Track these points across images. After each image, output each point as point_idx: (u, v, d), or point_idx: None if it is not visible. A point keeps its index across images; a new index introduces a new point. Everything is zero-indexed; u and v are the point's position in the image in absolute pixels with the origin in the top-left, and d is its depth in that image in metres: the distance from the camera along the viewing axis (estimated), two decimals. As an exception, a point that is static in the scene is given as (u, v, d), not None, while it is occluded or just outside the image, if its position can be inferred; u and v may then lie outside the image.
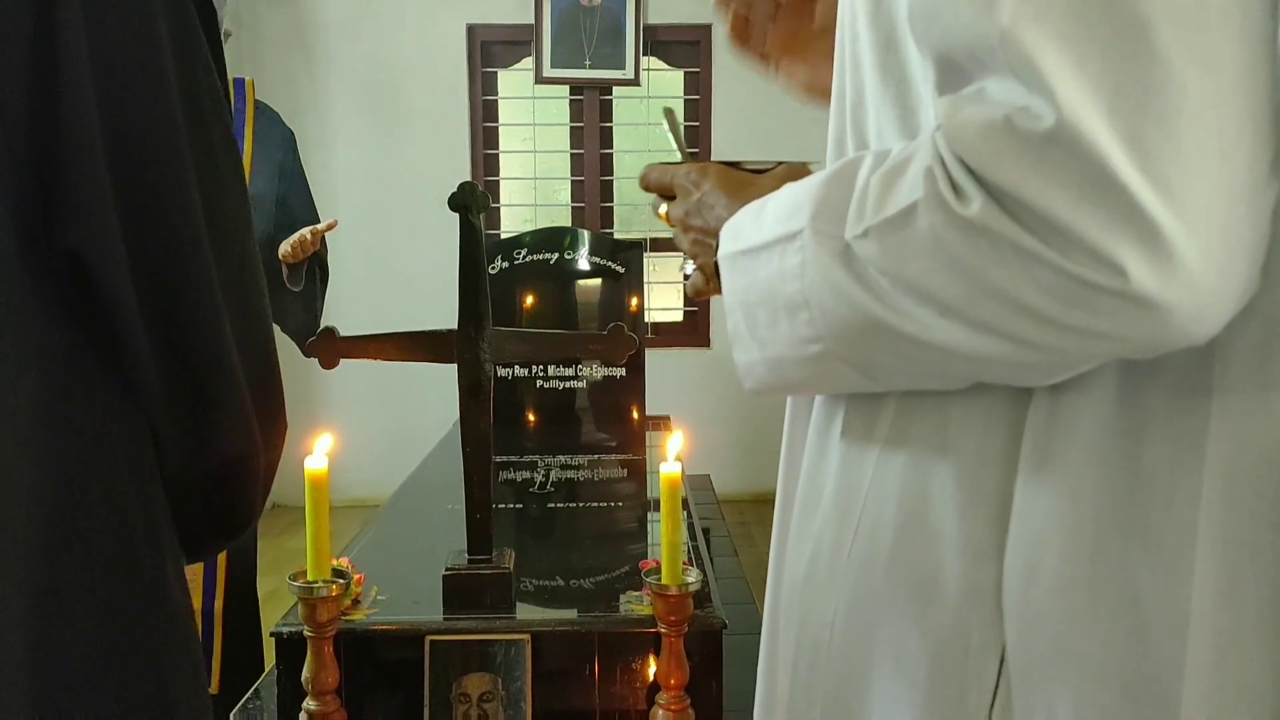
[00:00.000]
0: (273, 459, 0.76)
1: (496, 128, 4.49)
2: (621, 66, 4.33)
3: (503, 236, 3.70)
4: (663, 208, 0.81)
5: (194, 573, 2.08)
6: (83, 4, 0.59)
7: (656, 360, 3.01)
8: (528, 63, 4.40)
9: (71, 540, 0.64)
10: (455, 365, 1.38)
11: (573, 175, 4.52)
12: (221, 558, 2.11)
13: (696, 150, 4.43)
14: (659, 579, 1.24)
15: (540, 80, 4.35)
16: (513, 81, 4.49)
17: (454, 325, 1.38)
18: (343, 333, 1.39)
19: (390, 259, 4.33)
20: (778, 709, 0.72)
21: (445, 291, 1.47)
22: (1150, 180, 0.44)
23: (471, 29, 4.38)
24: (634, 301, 2.54)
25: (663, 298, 4.53)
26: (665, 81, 4.49)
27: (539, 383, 2.49)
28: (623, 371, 2.48)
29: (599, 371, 2.48)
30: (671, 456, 1.31)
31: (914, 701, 0.61)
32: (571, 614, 1.40)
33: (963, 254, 0.50)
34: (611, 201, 4.50)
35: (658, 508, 1.28)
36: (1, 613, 0.59)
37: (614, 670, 1.34)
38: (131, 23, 0.62)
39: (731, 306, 0.68)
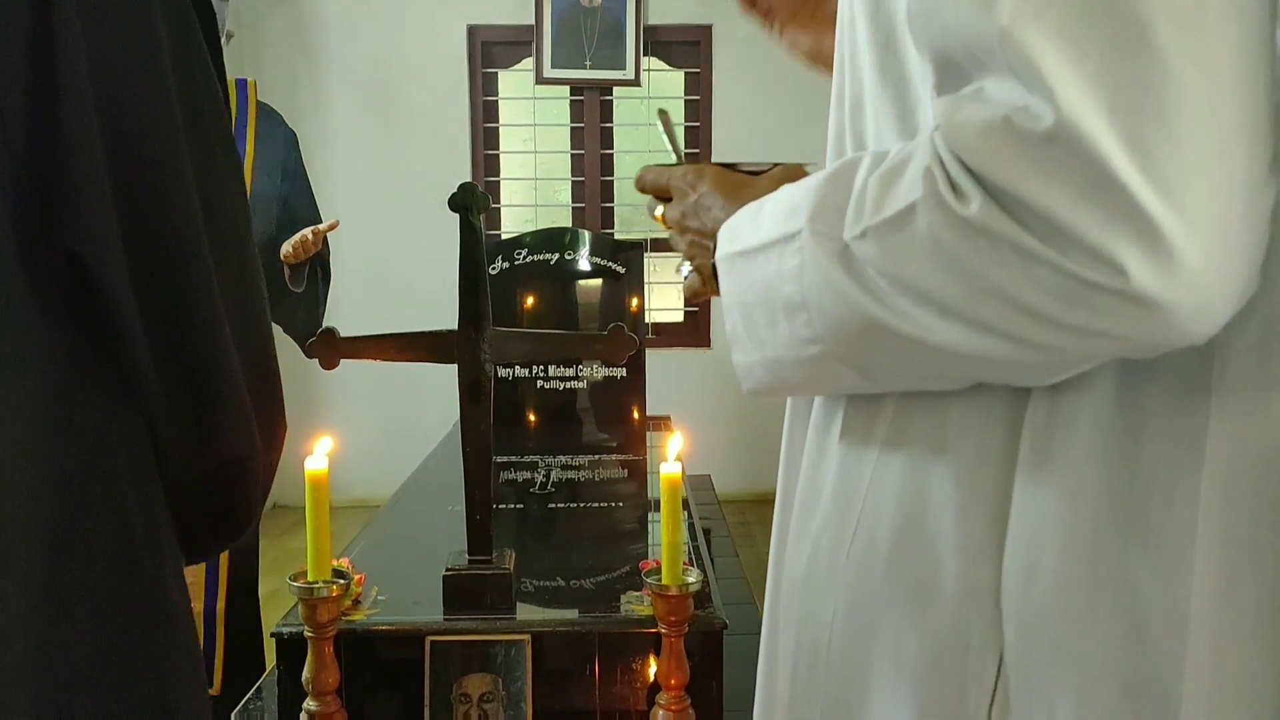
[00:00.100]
0: (272, 460, 0.76)
1: (497, 128, 4.49)
2: (622, 67, 4.33)
3: (503, 237, 3.71)
4: (659, 210, 0.81)
5: (196, 575, 2.08)
6: (81, 5, 0.59)
7: (657, 360, 3.01)
8: (528, 63, 4.40)
9: (72, 540, 0.64)
10: (456, 366, 1.38)
11: (573, 176, 4.52)
12: (224, 560, 2.11)
13: (698, 151, 4.43)
14: (659, 579, 1.24)
15: (541, 81, 4.35)
16: (513, 82, 4.49)
17: (454, 326, 1.38)
18: (343, 333, 1.39)
19: (391, 259, 4.33)
20: (777, 709, 0.72)
21: (446, 292, 1.47)
22: (1150, 179, 0.44)
23: (472, 29, 4.38)
24: (634, 302, 2.54)
25: (663, 298, 4.53)
26: (665, 82, 4.49)
27: (540, 383, 2.50)
28: (623, 372, 2.48)
29: (599, 372, 2.48)
30: (672, 457, 1.31)
31: (913, 702, 0.61)
32: (572, 614, 1.40)
33: (962, 254, 0.50)
34: (612, 202, 4.50)
35: (658, 508, 1.28)
36: (3, 612, 0.59)
37: (614, 670, 1.34)
38: (130, 23, 0.62)
39: (730, 308, 0.68)
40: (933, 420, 0.61)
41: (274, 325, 2.41)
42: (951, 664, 0.59)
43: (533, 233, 2.62)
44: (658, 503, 1.29)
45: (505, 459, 2.20)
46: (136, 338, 0.64)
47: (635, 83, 4.34)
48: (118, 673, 0.66)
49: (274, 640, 1.35)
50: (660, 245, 4.33)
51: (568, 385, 2.50)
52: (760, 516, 3.96)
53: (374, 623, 1.34)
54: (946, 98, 0.51)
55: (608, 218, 4.52)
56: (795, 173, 0.73)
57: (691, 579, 1.24)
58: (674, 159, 0.87)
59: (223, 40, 2.11)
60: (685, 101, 4.48)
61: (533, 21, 4.31)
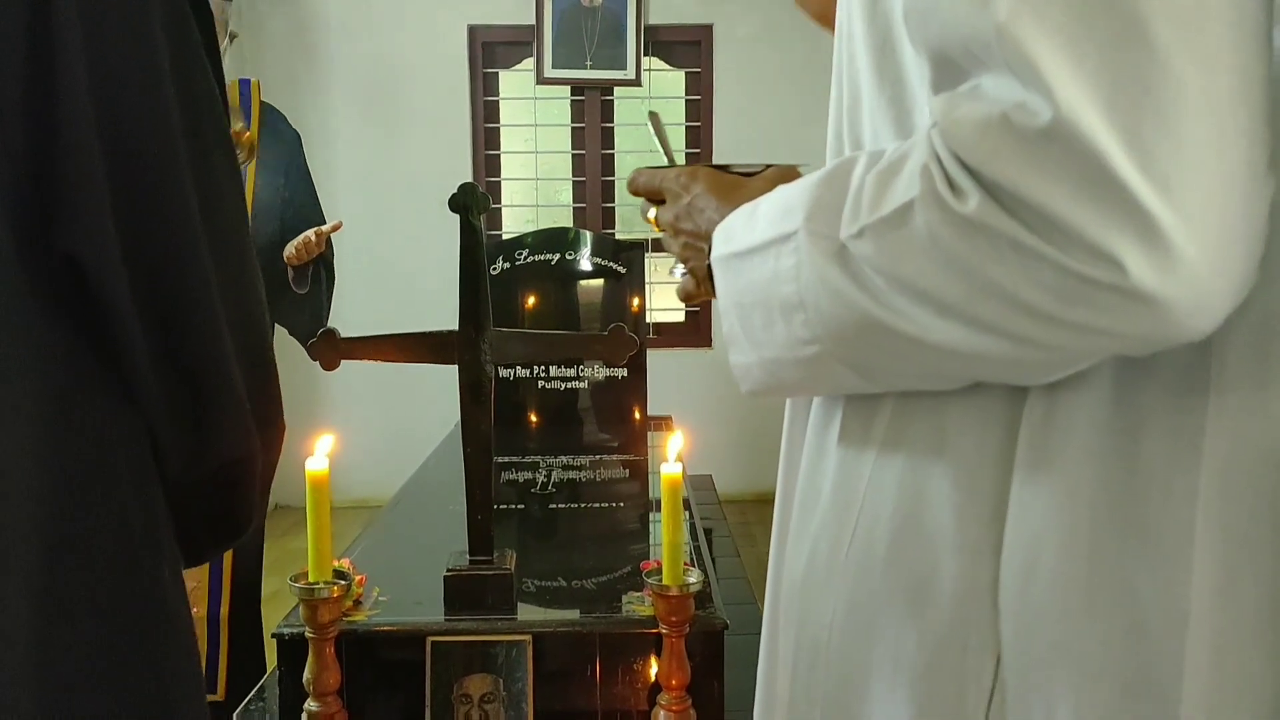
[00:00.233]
0: (271, 461, 0.76)
1: (498, 128, 4.49)
2: (623, 67, 4.33)
3: (504, 237, 3.71)
4: (652, 212, 0.81)
5: (199, 579, 2.08)
6: (79, 7, 0.59)
7: (658, 360, 3.01)
8: (529, 63, 4.41)
9: (72, 541, 0.64)
10: (456, 366, 1.38)
11: (574, 176, 4.52)
12: (227, 564, 2.11)
13: (699, 151, 4.43)
14: (660, 579, 1.24)
15: (541, 81, 4.35)
16: (514, 82, 4.49)
17: (455, 326, 1.38)
18: (344, 334, 1.39)
19: (392, 260, 4.33)
20: (777, 709, 0.72)
21: (447, 292, 1.47)
22: (1148, 176, 0.44)
23: (473, 30, 4.39)
24: (635, 302, 2.54)
25: (664, 298, 4.53)
26: (666, 82, 4.49)
27: (541, 383, 2.49)
28: (624, 372, 2.47)
29: (601, 372, 2.48)
30: (672, 457, 1.31)
31: (912, 701, 0.61)
32: (573, 615, 1.40)
33: (960, 251, 0.50)
34: (613, 202, 4.50)
35: (659, 508, 1.28)
36: (4, 613, 0.59)
37: (615, 671, 1.34)
38: (128, 26, 0.62)
39: (726, 309, 0.68)
40: (931, 420, 0.61)
41: (278, 326, 2.42)
42: (950, 664, 0.59)
43: (534, 233, 2.62)
44: (659, 503, 1.29)
45: (506, 459, 2.20)
46: (135, 339, 0.64)
47: (636, 83, 4.34)
48: (118, 673, 0.66)
49: (275, 641, 1.35)
50: (661, 245, 4.32)
51: (569, 385, 2.50)
52: (761, 516, 3.96)
53: (375, 623, 1.34)
54: (943, 95, 0.51)
55: (608, 218, 4.52)
56: (789, 174, 0.73)
57: (692, 579, 1.24)
58: (666, 161, 0.87)
59: (226, 41, 2.11)
60: (686, 101, 4.48)
61: (533, 21, 4.31)
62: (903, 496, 0.62)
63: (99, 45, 0.60)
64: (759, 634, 0.77)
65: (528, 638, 1.31)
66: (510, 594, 1.38)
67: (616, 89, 4.42)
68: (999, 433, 0.58)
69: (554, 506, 1.98)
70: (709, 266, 0.71)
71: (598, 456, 2.29)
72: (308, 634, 1.24)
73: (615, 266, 2.53)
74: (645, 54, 4.35)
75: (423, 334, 1.40)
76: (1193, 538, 0.52)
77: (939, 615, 0.59)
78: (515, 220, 4.53)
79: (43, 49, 0.59)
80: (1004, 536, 0.57)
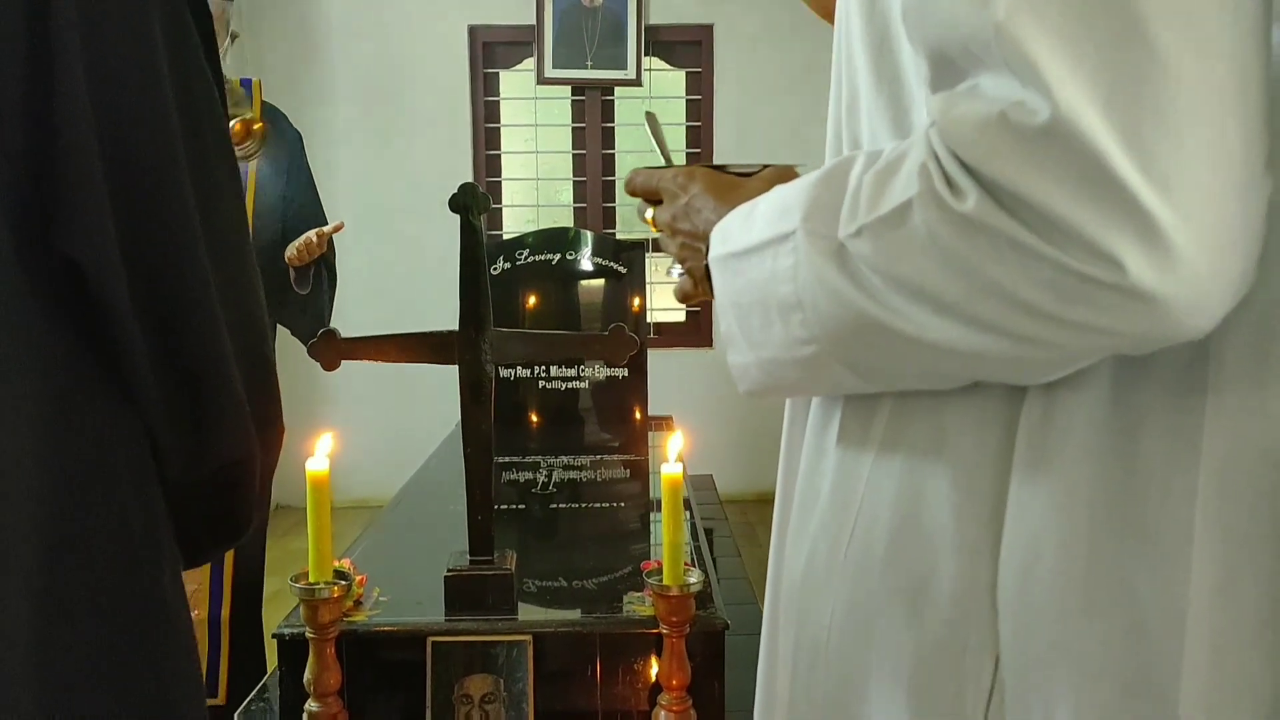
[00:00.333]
0: (270, 462, 0.76)
1: (498, 128, 4.49)
2: (623, 67, 4.33)
3: (505, 237, 3.71)
4: (649, 212, 0.81)
5: (200, 581, 2.07)
6: (78, 9, 0.59)
7: (659, 360, 3.01)
8: (529, 63, 4.41)
9: (72, 541, 0.64)
10: (457, 366, 1.38)
11: (575, 176, 4.52)
12: (228, 565, 2.10)
13: (700, 150, 4.43)
14: (661, 580, 1.24)
15: (542, 81, 4.35)
16: (515, 82, 4.49)
17: (456, 326, 1.38)
18: (344, 334, 1.39)
19: (392, 260, 4.33)
20: (777, 710, 0.72)
21: (448, 292, 1.47)
22: (1147, 174, 0.44)
23: (473, 30, 4.39)
24: (636, 302, 2.54)
25: (665, 298, 4.52)
26: (667, 82, 4.49)
27: (541, 383, 2.49)
28: (625, 372, 2.47)
29: (601, 372, 2.48)
30: (673, 456, 1.31)
31: (911, 702, 0.61)
32: (573, 615, 1.40)
33: (959, 250, 0.50)
34: (613, 202, 4.50)
35: (660, 508, 1.28)
36: (5, 613, 0.59)
37: (616, 671, 1.34)
38: (127, 28, 0.62)
39: (724, 309, 0.68)
40: (930, 421, 0.61)
41: (281, 327, 2.41)
42: (949, 664, 0.59)
43: (534, 233, 2.62)
44: (659, 503, 1.29)
45: (507, 459, 2.20)
46: (134, 341, 0.64)
47: (637, 82, 4.34)
48: (118, 673, 0.66)
49: (275, 641, 1.35)
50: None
51: (569, 385, 2.50)
52: (762, 516, 3.96)
53: (375, 623, 1.34)
54: (942, 94, 0.51)
55: (609, 218, 4.52)
56: (786, 174, 0.73)
57: (693, 579, 1.24)
58: (663, 161, 0.87)
59: (227, 41, 2.11)
60: (686, 101, 4.48)
61: (534, 22, 4.31)
62: (901, 496, 0.62)
63: (98, 47, 0.60)
64: (760, 634, 0.77)
65: (528, 638, 1.31)
66: (511, 594, 1.38)
67: (617, 89, 4.42)
68: (997, 432, 0.58)
69: (554, 506, 1.98)
70: (706, 267, 0.70)
71: (598, 456, 2.29)
72: (308, 634, 1.24)
73: (616, 266, 2.53)
74: (646, 54, 4.35)
75: (423, 334, 1.40)
76: (1191, 537, 0.52)
77: (938, 615, 0.59)
78: (516, 220, 4.53)
79: (42, 51, 0.59)
80: (1002, 536, 0.57)
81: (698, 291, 0.77)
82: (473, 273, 1.36)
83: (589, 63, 4.33)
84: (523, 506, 1.97)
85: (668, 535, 1.24)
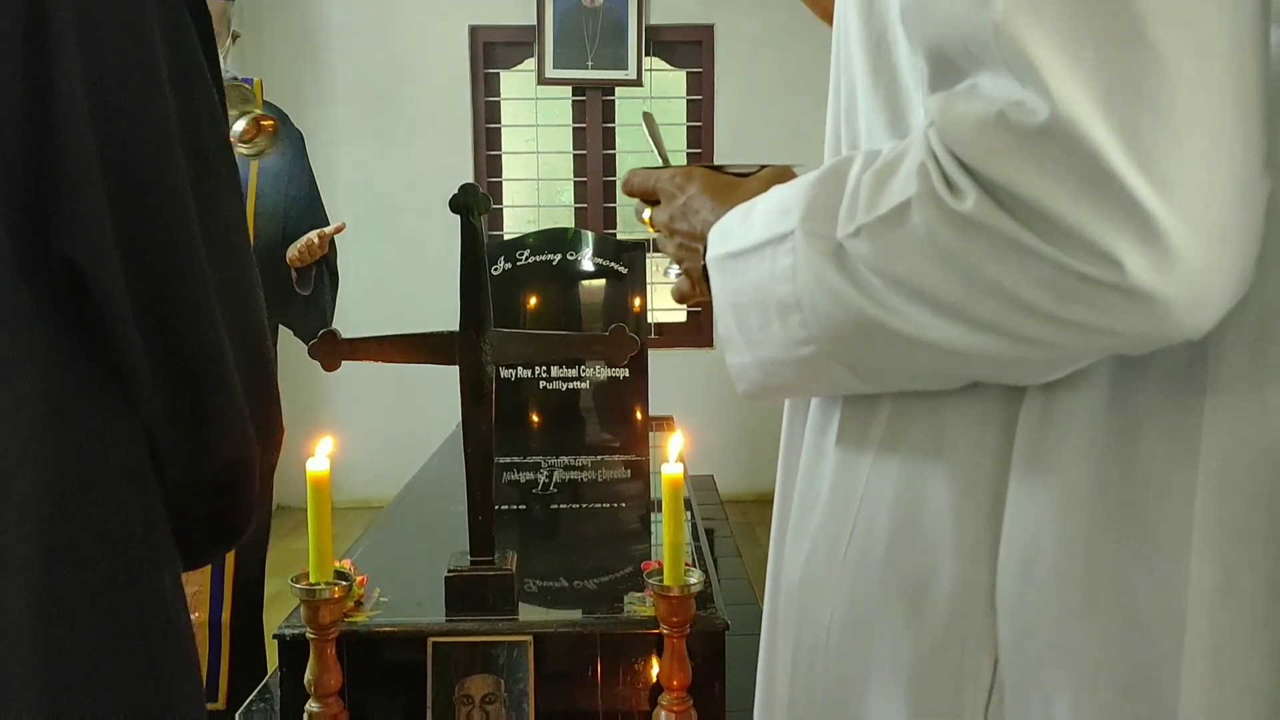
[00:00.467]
0: (269, 463, 0.76)
1: (499, 129, 4.50)
2: (624, 67, 4.33)
3: (506, 237, 3.70)
4: (646, 213, 0.81)
5: (200, 583, 2.06)
6: (75, 9, 0.59)
7: (660, 360, 3.01)
8: (530, 64, 4.41)
9: (72, 543, 0.64)
10: (457, 367, 1.38)
11: (575, 176, 4.52)
12: (229, 568, 2.10)
13: (700, 151, 4.43)
14: (661, 580, 1.24)
15: (543, 81, 4.35)
16: (515, 82, 4.49)
17: (456, 327, 1.38)
18: (345, 334, 1.39)
19: (393, 260, 4.33)
20: (777, 710, 0.72)
21: (448, 293, 1.47)
22: (1146, 173, 0.44)
23: (474, 30, 4.39)
24: (637, 302, 2.53)
25: (666, 298, 4.51)
26: (667, 82, 4.49)
27: (542, 383, 2.49)
28: (626, 372, 2.47)
29: (602, 372, 2.48)
30: (674, 457, 1.31)
31: (910, 702, 0.61)
32: (574, 615, 1.40)
33: (958, 250, 0.50)
34: (614, 202, 4.50)
35: (661, 508, 1.28)
36: (5, 614, 0.59)
37: (617, 671, 1.34)
38: (124, 28, 0.62)
39: (722, 309, 0.68)
40: (929, 421, 0.61)
41: (283, 328, 2.41)
42: (948, 664, 0.59)
43: (535, 233, 2.62)
44: (660, 503, 1.29)
45: (508, 459, 2.20)
46: (132, 341, 0.64)
47: (637, 83, 4.34)
48: (117, 674, 0.66)
49: (276, 643, 1.35)
50: (662, 245, 4.32)
51: (570, 386, 2.49)
52: (763, 517, 3.95)
53: (376, 624, 1.34)
54: (940, 94, 0.51)
55: (610, 218, 4.52)
56: (784, 174, 0.73)
57: (693, 580, 1.24)
58: (661, 162, 0.87)
59: (229, 41, 2.11)
60: (687, 101, 4.48)
61: (534, 22, 4.31)
62: (900, 497, 0.62)
63: (96, 47, 0.60)
64: (760, 634, 0.77)
65: (529, 638, 1.31)
66: (511, 594, 1.38)
67: (618, 89, 4.42)
68: (996, 433, 0.58)
69: (555, 507, 1.97)
70: (704, 267, 0.70)
71: (599, 457, 2.29)
72: (309, 635, 1.24)
73: (617, 267, 2.53)
74: (646, 54, 4.35)
75: (424, 335, 1.40)
76: (1190, 536, 0.52)
77: (937, 615, 0.59)
78: (517, 220, 4.53)
79: (39, 51, 0.59)
80: (1001, 536, 0.57)
81: (695, 292, 0.77)
82: (473, 273, 1.36)
83: (589, 63, 4.33)
84: (523, 507, 1.97)
85: (668, 535, 1.24)
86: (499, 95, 4.49)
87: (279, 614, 1.55)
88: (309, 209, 2.35)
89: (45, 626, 0.62)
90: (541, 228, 3.72)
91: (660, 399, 2.62)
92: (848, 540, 0.65)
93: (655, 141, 0.93)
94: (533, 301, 2.51)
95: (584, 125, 4.46)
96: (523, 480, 2.10)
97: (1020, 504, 0.57)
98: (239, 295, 0.70)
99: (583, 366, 2.48)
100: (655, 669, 1.32)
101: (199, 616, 2.04)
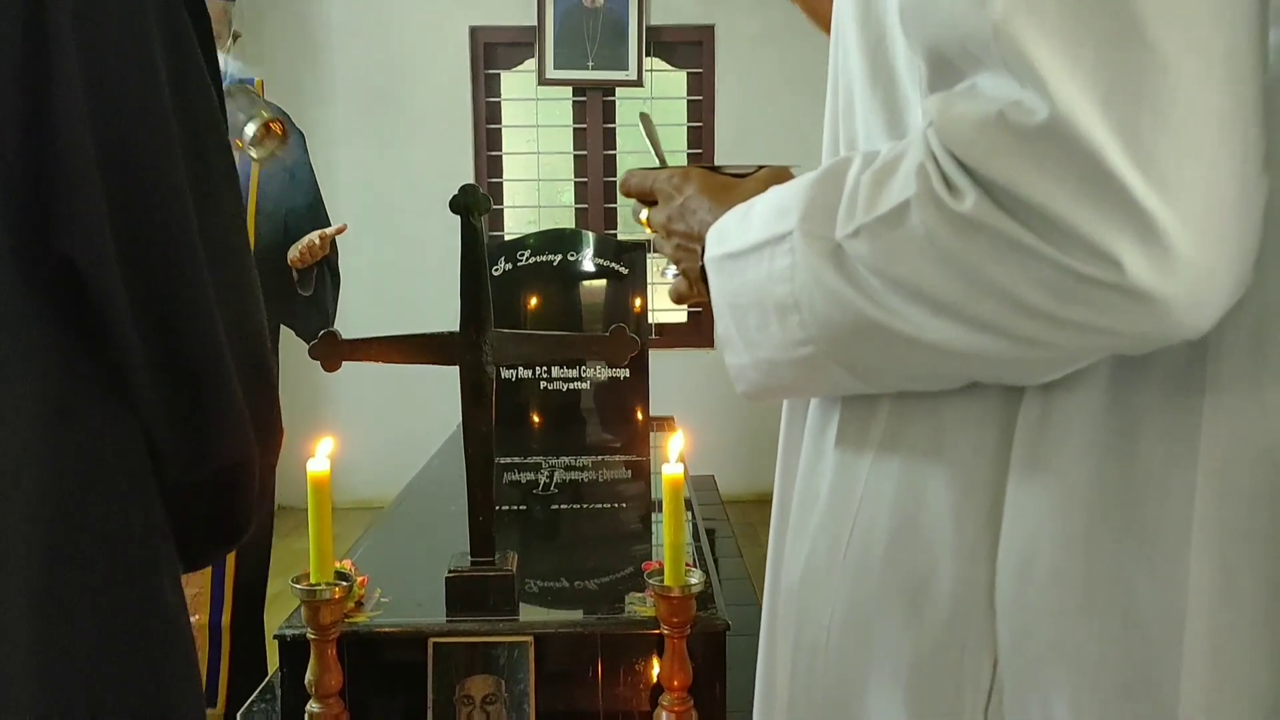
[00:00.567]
0: (269, 465, 0.76)
1: (499, 129, 4.50)
2: (624, 67, 4.33)
3: (506, 238, 3.70)
4: (644, 213, 0.81)
5: (201, 585, 2.05)
6: (74, 9, 0.59)
7: (660, 361, 3.01)
8: (531, 64, 4.41)
9: (71, 543, 0.64)
10: (458, 367, 1.38)
11: (576, 176, 4.52)
12: (230, 571, 2.09)
13: (701, 151, 4.43)
14: (662, 580, 1.24)
15: (543, 82, 4.35)
16: (516, 83, 4.49)
17: (457, 327, 1.38)
18: (345, 335, 1.40)
19: (393, 261, 4.33)
20: (777, 710, 0.72)
21: (448, 293, 1.47)
22: (1145, 173, 0.44)
23: (474, 31, 4.39)
24: (638, 302, 2.53)
25: (666, 298, 4.52)
26: (668, 82, 4.49)
27: (543, 384, 2.49)
28: (626, 372, 2.47)
29: (603, 372, 2.48)
30: (674, 457, 1.31)
31: (910, 702, 0.61)
32: (575, 616, 1.40)
33: (957, 250, 0.50)
34: (615, 203, 4.50)
35: (661, 509, 1.28)
36: (5, 614, 0.59)
37: (617, 672, 1.34)
38: (123, 28, 0.62)
39: (720, 310, 0.68)
40: (928, 422, 0.61)
41: (286, 329, 2.40)
42: (947, 665, 0.59)
43: (536, 234, 2.62)
44: (661, 503, 1.28)
45: (509, 460, 2.20)
46: (131, 342, 0.65)
47: (638, 83, 4.34)
48: (117, 674, 0.66)
49: (277, 644, 1.34)
50: (662, 246, 4.31)
51: (571, 386, 2.49)
52: (764, 517, 3.93)
53: (377, 624, 1.34)
54: (939, 94, 0.51)
55: (610, 218, 4.52)
56: (781, 174, 0.73)
57: (694, 580, 1.24)
58: (658, 162, 0.87)
59: (230, 40, 2.11)
60: (688, 102, 4.48)
61: (535, 22, 4.31)
62: (900, 498, 0.62)
63: (94, 47, 0.60)
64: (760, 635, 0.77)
65: (529, 639, 1.31)
66: (512, 595, 1.38)
67: (618, 90, 4.42)
68: (995, 433, 0.58)
69: (556, 507, 1.97)
70: (702, 268, 0.70)
71: (600, 457, 2.29)
72: (309, 635, 1.24)
73: (617, 267, 2.53)
74: (647, 54, 4.35)
75: (424, 335, 1.40)
76: (1190, 536, 0.52)
77: (936, 616, 0.59)
78: (517, 221, 4.53)
79: (38, 51, 0.59)
80: (1000, 537, 0.57)
81: (693, 292, 0.77)
82: (474, 274, 1.36)
83: (590, 63, 4.33)
84: (524, 507, 1.97)
85: (669, 536, 1.24)
86: (499, 96, 4.49)
87: (280, 614, 1.55)
88: (311, 210, 2.35)
89: (45, 627, 0.62)
90: (542, 228, 3.72)
91: (661, 399, 2.61)
92: (847, 540, 0.65)
93: (652, 142, 0.93)
94: (533, 302, 2.51)
95: (584, 126, 4.46)
96: (523, 481, 2.10)
97: (1019, 504, 0.57)
98: (238, 296, 0.71)
99: (583, 367, 2.48)
100: (656, 669, 1.32)
101: (199, 619, 2.04)
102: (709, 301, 0.71)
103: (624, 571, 1.56)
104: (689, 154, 4.46)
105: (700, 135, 4.44)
